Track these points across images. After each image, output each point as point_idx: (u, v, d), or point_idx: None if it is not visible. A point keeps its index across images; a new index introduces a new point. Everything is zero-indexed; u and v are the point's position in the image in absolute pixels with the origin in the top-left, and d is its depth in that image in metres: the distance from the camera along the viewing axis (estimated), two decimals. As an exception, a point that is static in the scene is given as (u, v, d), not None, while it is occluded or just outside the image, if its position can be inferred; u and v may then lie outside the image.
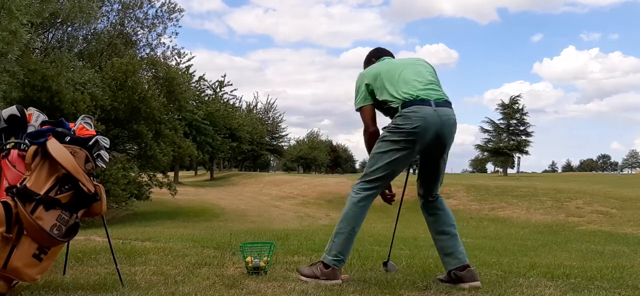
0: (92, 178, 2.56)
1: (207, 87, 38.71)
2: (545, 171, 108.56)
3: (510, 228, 11.92)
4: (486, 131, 45.29)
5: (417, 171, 3.09)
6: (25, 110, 2.67)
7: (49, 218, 2.33)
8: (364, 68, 3.22)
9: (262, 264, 3.08)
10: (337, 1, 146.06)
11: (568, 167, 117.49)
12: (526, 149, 44.23)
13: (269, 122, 51.73)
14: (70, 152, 2.48)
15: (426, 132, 2.75)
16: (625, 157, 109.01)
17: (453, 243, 2.93)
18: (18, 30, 10.93)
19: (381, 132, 2.92)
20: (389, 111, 2.91)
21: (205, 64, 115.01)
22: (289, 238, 5.66)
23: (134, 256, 3.69)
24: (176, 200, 20.12)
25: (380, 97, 2.91)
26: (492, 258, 4.59)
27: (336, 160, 69.38)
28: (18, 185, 2.32)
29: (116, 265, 2.74)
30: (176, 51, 24.10)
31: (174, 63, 24.15)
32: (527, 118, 44.95)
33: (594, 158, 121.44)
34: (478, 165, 69.61)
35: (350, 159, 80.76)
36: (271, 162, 63.28)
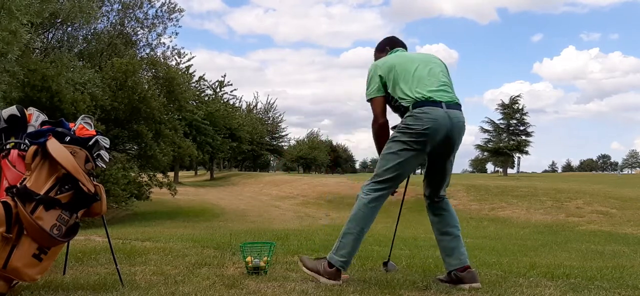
0: (92, 178, 2.56)
1: (207, 87, 38.76)
2: (545, 171, 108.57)
3: (510, 228, 11.92)
4: (486, 131, 45.27)
5: (423, 172, 3.07)
6: (25, 110, 2.67)
7: (49, 218, 2.33)
8: (376, 54, 3.18)
9: (262, 264, 3.08)
10: (337, 1, 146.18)
11: (568, 167, 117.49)
12: (526, 149, 44.20)
13: (269, 122, 51.74)
14: (70, 152, 2.48)
15: (437, 134, 2.75)
16: (625, 157, 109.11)
17: (455, 244, 2.93)
18: (18, 30, 10.93)
19: (391, 131, 2.91)
20: (399, 108, 2.89)
21: (205, 64, 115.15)
22: (289, 238, 5.66)
23: (134, 256, 3.69)
24: (176, 200, 20.12)
25: (392, 92, 2.89)
26: (492, 258, 4.59)
27: (336, 160, 69.38)
28: (18, 185, 2.32)
29: (116, 265, 2.74)
30: (176, 51, 24.12)
31: (174, 63, 24.17)
32: (527, 118, 44.93)
33: (594, 158, 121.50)
34: (478, 165, 69.60)
35: (350, 159, 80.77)
36: (271, 162, 63.29)
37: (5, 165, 2.46)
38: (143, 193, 18.02)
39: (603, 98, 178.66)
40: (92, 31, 19.53)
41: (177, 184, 24.90)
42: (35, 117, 2.69)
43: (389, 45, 3.18)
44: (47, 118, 2.73)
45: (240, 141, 40.85)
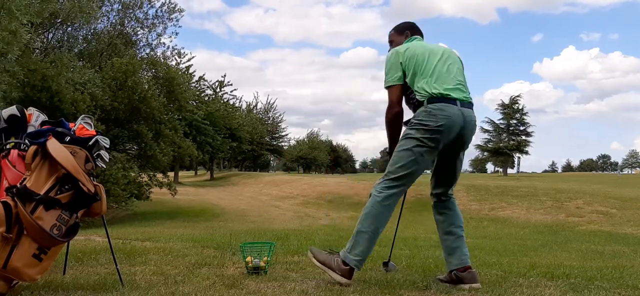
0: (92, 178, 2.56)
1: (207, 87, 38.75)
2: (545, 171, 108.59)
3: (510, 228, 11.92)
4: (486, 131, 45.27)
5: (431, 170, 3.05)
6: (25, 110, 2.67)
7: (49, 218, 2.33)
8: (393, 36, 3.13)
9: (262, 264, 3.08)
10: (337, 1, 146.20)
11: (568, 167, 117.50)
12: (526, 149, 44.22)
13: (269, 122, 51.73)
14: (70, 152, 2.48)
15: (450, 131, 2.75)
16: (625, 157, 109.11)
17: (458, 244, 2.92)
18: (18, 30, 10.93)
19: (403, 128, 2.89)
20: (412, 101, 2.86)
21: (205, 64, 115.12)
22: (289, 238, 5.66)
23: (134, 256, 3.69)
24: (176, 200, 20.12)
25: (409, 82, 2.85)
26: (492, 258, 4.59)
27: (336, 160, 69.38)
28: (18, 185, 2.32)
29: (116, 265, 2.74)
30: (176, 51, 24.11)
31: (174, 63, 24.17)
32: (527, 118, 44.96)
33: (594, 158, 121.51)
34: (478, 165, 69.61)
35: (350, 159, 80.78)
36: (271, 162, 63.28)
37: (5, 165, 2.46)
38: (143, 193, 18.02)
39: (603, 98, 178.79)
40: (92, 31, 19.54)
41: (177, 184, 24.89)
42: (35, 117, 2.69)
43: (409, 30, 3.11)
44: (47, 118, 2.73)
45: (240, 141, 40.84)
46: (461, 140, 2.84)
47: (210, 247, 4.42)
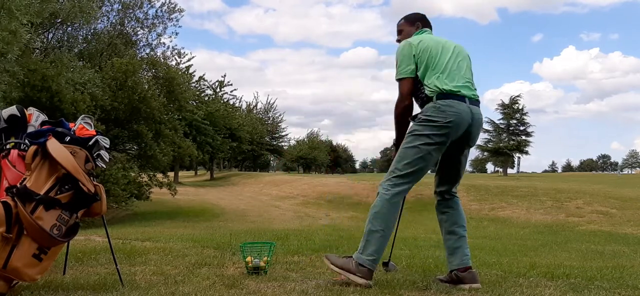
0: (92, 178, 2.56)
1: (207, 87, 38.75)
2: (545, 171, 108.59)
3: (510, 228, 11.92)
4: (486, 131, 45.25)
5: (435, 168, 3.03)
6: (25, 110, 2.67)
7: (49, 218, 2.33)
8: (404, 26, 3.08)
9: (262, 264, 3.08)
10: (337, 1, 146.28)
11: (568, 167, 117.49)
12: (526, 149, 44.25)
13: (269, 122, 51.72)
14: (70, 152, 2.48)
15: (458, 128, 2.75)
16: (625, 157, 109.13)
17: (459, 244, 2.91)
18: (18, 30, 10.93)
19: (410, 124, 2.86)
20: (420, 95, 2.84)
21: (205, 64, 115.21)
22: (289, 238, 5.66)
23: (134, 256, 3.69)
24: (176, 200, 20.12)
25: (420, 75, 2.82)
26: (492, 258, 4.59)
27: (336, 160, 69.40)
28: (18, 185, 2.32)
29: (116, 265, 2.74)
30: (176, 51, 24.10)
31: (174, 63, 24.16)
32: (527, 118, 45.00)
33: (594, 158, 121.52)
34: (478, 165, 69.60)
35: (350, 159, 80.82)
36: (271, 162, 63.28)
37: (5, 165, 2.46)
38: (143, 193, 18.01)
39: (603, 98, 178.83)
40: (92, 31, 19.54)
41: (177, 184, 24.89)
42: (35, 117, 2.69)
43: (420, 21, 3.07)
44: (47, 118, 2.73)
45: (240, 141, 40.83)
46: (468, 138, 2.84)
47: (210, 247, 4.42)
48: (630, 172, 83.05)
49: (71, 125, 2.73)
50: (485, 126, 45.18)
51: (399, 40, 3.09)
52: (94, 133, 2.71)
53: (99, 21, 19.28)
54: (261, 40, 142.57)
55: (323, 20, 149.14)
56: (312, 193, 22.98)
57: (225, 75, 47.49)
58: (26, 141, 2.53)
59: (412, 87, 2.84)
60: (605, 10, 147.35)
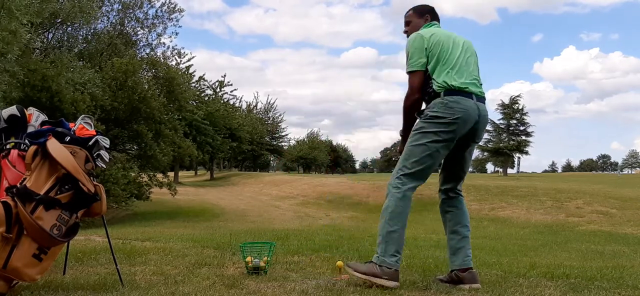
0: (92, 178, 2.56)
1: (207, 87, 38.75)
2: (545, 171, 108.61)
3: (510, 228, 11.92)
4: (486, 131, 44.83)
5: (440, 166, 3.00)
6: (25, 110, 2.67)
7: (49, 218, 2.33)
8: (412, 18, 3.03)
9: (262, 264, 3.08)
10: (338, 1, 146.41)
11: (568, 167, 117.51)
12: (526, 149, 44.26)
13: (269, 122, 51.73)
14: (70, 152, 2.48)
15: (465, 125, 2.74)
16: (625, 157, 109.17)
17: (462, 245, 2.90)
18: (18, 30, 10.93)
19: (416, 120, 2.84)
20: (428, 90, 2.81)
21: (205, 64, 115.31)
22: (289, 238, 5.66)
23: (134, 256, 3.69)
24: (176, 200, 20.12)
25: (429, 69, 2.79)
26: (492, 258, 4.59)
27: (336, 160, 69.42)
28: (18, 185, 2.32)
29: (116, 265, 2.74)
30: (176, 51, 24.10)
31: (174, 63, 24.16)
32: (527, 118, 45.01)
33: (594, 158, 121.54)
34: (478, 165, 69.59)
35: (350, 159, 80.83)
36: (271, 162, 63.28)
37: (5, 165, 2.46)
38: (143, 193, 18.01)
39: (603, 98, 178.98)
40: (92, 31, 19.54)
41: (177, 184, 24.89)
42: (35, 117, 2.69)
43: (429, 14, 3.03)
44: (47, 118, 2.73)
45: (240, 141, 40.83)
46: (474, 134, 2.84)
47: (210, 247, 4.42)
48: (630, 172, 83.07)
49: (71, 125, 2.73)
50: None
51: (406, 32, 3.05)
52: (94, 133, 2.71)
53: (99, 21, 19.31)
54: (261, 40, 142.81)
55: (323, 20, 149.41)
56: (312, 193, 22.98)
57: (225, 75, 47.56)
58: (26, 141, 2.53)
59: (423, 81, 2.80)
60: (605, 10, 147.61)
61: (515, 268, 3.66)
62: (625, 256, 5.84)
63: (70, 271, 3.02)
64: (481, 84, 2.90)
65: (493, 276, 3.20)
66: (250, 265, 3.08)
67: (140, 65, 18.76)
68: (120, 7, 20.51)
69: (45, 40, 17.98)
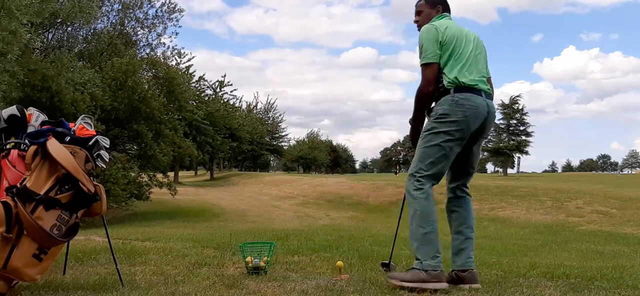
0: (92, 178, 2.56)
1: (207, 87, 38.76)
2: (545, 171, 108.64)
3: (510, 228, 11.92)
4: (487, 130, 45.25)
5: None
6: (25, 110, 2.67)
7: (49, 218, 2.33)
8: (423, 7, 2.98)
9: (262, 264, 3.08)
10: (338, 1, 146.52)
11: (568, 167, 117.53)
12: (526, 149, 44.29)
13: (269, 122, 51.73)
14: (70, 152, 2.48)
15: (476, 121, 2.74)
16: (625, 157, 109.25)
17: (465, 246, 2.89)
18: (18, 30, 10.93)
19: (426, 120, 2.82)
20: (437, 84, 2.76)
21: (205, 64, 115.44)
22: (289, 238, 5.65)
23: (134, 256, 3.69)
24: (176, 200, 20.11)
25: (442, 63, 2.75)
26: (492, 258, 4.58)
27: (336, 160, 69.44)
28: (18, 185, 2.32)
29: (116, 265, 2.74)
30: (176, 51, 24.13)
31: (174, 63, 24.18)
32: (527, 118, 45.06)
33: (594, 158, 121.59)
34: (478, 165, 69.65)
35: (350, 159, 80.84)
36: (271, 162, 63.28)
37: (5, 165, 2.46)
38: (143, 193, 18.00)
39: (603, 98, 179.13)
40: (92, 31, 19.54)
41: (177, 184, 24.88)
42: (35, 117, 2.69)
43: (441, 5, 2.97)
44: (47, 118, 2.73)
45: (240, 141, 40.83)
46: (483, 131, 2.84)
47: (210, 247, 4.42)
48: (630, 172, 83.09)
49: (71, 125, 2.73)
50: (486, 126, 45.15)
51: (417, 22, 3.01)
52: (94, 133, 2.71)
53: (99, 21, 19.32)
54: (261, 40, 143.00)
55: (323, 20, 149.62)
56: (312, 193, 22.97)
57: (225, 75, 47.61)
58: (26, 141, 2.53)
59: (437, 73, 2.75)
60: (605, 10, 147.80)
61: (515, 268, 3.66)
62: (625, 256, 5.84)
63: (70, 271, 3.02)
64: (487, 82, 2.90)
65: (493, 276, 3.20)
66: (250, 265, 3.08)
67: (140, 65, 18.76)
68: (120, 7, 20.53)
69: (45, 40, 17.98)
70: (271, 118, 52.15)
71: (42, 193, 2.33)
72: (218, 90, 39.99)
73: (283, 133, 54.25)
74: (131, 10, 20.74)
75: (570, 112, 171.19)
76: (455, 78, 2.72)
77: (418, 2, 3.05)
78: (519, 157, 41.84)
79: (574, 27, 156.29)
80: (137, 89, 17.59)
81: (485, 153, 47.61)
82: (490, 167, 66.70)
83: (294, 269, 3.31)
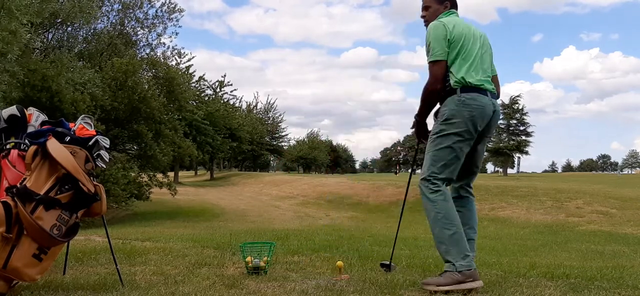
0: (92, 178, 2.56)
1: (207, 87, 38.77)
2: (545, 171, 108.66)
3: (510, 228, 11.92)
4: (487, 131, 45.23)
5: None
6: (25, 110, 2.67)
7: (49, 218, 2.33)
8: (431, 3, 2.94)
9: (262, 264, 3.08)
10: (338, 1, 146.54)
11: (568, 167, 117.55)
12: (526, 149, 44.29)
13: (269, 122, 51.73)
14: (70, 152, 2.48)
15: (482, 121, 2.75)
16: (625, 157, 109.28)
17: None
18: (18, 30, 10.93)
19: (433, 122, 2.82)
20: (444, 83, 2.75)
21: (205, 64, 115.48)
22: (289, 238, 5.65)
23: (134, 256, 3.68)
24: (176, 200, 20.11)
25: (449, 62, 2.73)
26: (492, 258, 4.58)
27: (336, 160, 69.44)
28: (18, 185, 2.32)
29: (116, 265, 2.74)
30: (176, 51, 24.13)
31: (174, 63, 24.19)
32: (527, 118, 45.04)
33: (594, 158, 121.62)
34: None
35: (350, 159, 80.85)
36: (271, 162, 63.28)
37: (5, 165, 2.46)
38: (143, 193, 18.01)
39: (603, 98, 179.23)
40: (92, 31, 19.54)
41: (177, 184, 24.88)
42: (35, 117, 2.69)
43: (449, 1, 2.95)
44: (47, 118, 2.73)
45: (240, 141, 40.84)
46: (489, 130, 2.85)
47: (210, 247, 4.42)
48: (630, 172, 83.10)
49: (71, 125, 2.73)
50: (486, 126, 45.13)
51: (424, 17, 2.98)
52: (94, 133, 2.71)
53: (99, 21, 19.32)
54: (261, 40, 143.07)
55: (323, 20, 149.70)
56: (312, 193, 22.98)
57: (225, 75, 47.65)
58: (26, 141, 2.53)
59: (445, 71, 2.73)
60: (605, 10, 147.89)
61: (515, 268, 3.66)
62: (625, 256, 5.84)
63: (70, 271, 3.02)
64: (496, 76, 2.91)
65: (493, 276, 3.20)
66: (250, 265, 3.08)
67: (140, 65, 18.76)
68: (120, 7, 20.53)
69: (45, 40, 17.98)
70: (271, 118, 52.17)
71: (42, 193, 2.33)
72: (218, 90, 40.02)
73: (283, 133, 54.33)
74: (131, 10, 20.75)
75: (570, 112, 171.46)
76: (462, 78, 2.71)
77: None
78: (519, 157, 41.88)
79: (574, 27, 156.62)
80: (137, 89, 17.59)
81: (485, 153, 47.13)
82: (490, 167, 66.74)
83: (294, 269, 3.31)
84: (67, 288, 2.54)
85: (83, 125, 2.76)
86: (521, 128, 44.74)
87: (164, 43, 29.32)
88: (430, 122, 2.92)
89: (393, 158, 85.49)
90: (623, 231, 10.79)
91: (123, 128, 18.56)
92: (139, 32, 21.54)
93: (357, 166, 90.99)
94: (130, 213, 17.16)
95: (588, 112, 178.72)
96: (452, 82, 2.72)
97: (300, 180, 28.73)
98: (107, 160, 2.73)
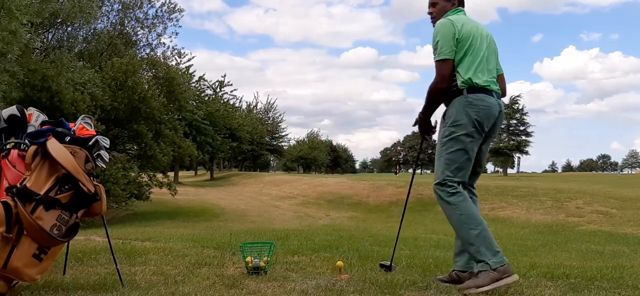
0: (92, 178, 2.56)
1: (207, 87, 38.77)
2: (545, 171, 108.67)
3: (510, 228, 11.91)
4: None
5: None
6: (25, 110, 2.66)
7: (49, 218, 2.33)
8: (439, 1, 2.92)
9: (262, 264, 3.08)
10: (338, 1, 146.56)
11: (568, 167, 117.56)
12: (526, 149, 44.27)
13: (269, 122, 51.72)
14: (70, 152, 2.48)
15: (489, 121, 2.75)
16: (625, 157, 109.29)
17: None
18: (18, 30, 10.93)
19: (440, 125, 2.83)
20: (451, 83, 2.74)
21: (205, 64, 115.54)
22: (289, 238, 5.65)
23: (134, 256, 3.68)
24: (176, 200, 20.11)
25: (456, 61, 2.72)
26: (492, 258, 4.58)
27: (336, 160, 69.44)
28: (18, 185, 2.32)
29: (116, 265, 2.74)
30: (176, 51, 24.15)
31: (174, 63, 24.20)
32: (527, 118, 45.03)
33: (594, 158, 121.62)
34: (479, 165, 69.56)
35: (350, 159, 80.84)
36: (271, 162, 63.28)
37: (5, 165, 2.46)
38: (143, 193, 18.01)
39: (603, 98, 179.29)
40: (92, 31, 19.55)
41: (177, 184, 24.88)
42: (35, 117, 2.69)
43: None
44: (47, 118, 2.73)
45: (240, 141, 40.83)
46: (494, 130, 2.85)
47: (210, 247, 4.42)
48: (630, 172, 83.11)
49: (71, 125, 2.73)
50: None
51: (431, 13, 2.96)
52: (94, 133, 2.71)
53: (99, 21, 19.34)
54: (261, 40, 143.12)
55: (323, 20, 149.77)
56: (312, 193, 22.98)
57: (225, 75, 47.62)
58: (26, 141, 2.53)
59: (452, 70, 2.72)
60: (605, 10, 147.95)
61: (515, 268, 3.65)
62: (625, 256, 5.84)
63: (70, 271, 3.02)
64: (502, 75, 2.91)
65: (493, 276, 3.20)
66: (250, 265, 3.08)
67: (140, 65, 18.77)
68: (120, 7, 20.54)
69: (45, 40, 17.98)
70: (271, 118, 52.16)
71: (42, 193, 2.33)
72: (218, 90, 40.01)
73: (283, 133, 54.32)
74: (131, 10, 20.77)
75: (570, 112, 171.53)
76: (469, 79, 2.71)
77: None
78: (519, 157, 41.88)
79: (574, 27, 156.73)
80: (137, 89, 17.60)
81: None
82: (490, 167, 66.69)
83: (294, 269, 3.31)
84: (67, 288, 2.54)
85: (83, 125, 2.76)
86: (521, 128, 44.74)
87: (164, 43, 29.40)
88: (433, 119, 2.93)
89: (393, 158, 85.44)
90: (623, 231, 10.79)
91: (123, 128, 18.56)
92: (139, 32, 21.58)
93: (357, 166, 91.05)
94: (130, 213, 17.16)
95: (588, 112, 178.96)
96: (459, 82, 2.72)
97: (300, 180, 28.73)
98: (107, 160, 2.73)
